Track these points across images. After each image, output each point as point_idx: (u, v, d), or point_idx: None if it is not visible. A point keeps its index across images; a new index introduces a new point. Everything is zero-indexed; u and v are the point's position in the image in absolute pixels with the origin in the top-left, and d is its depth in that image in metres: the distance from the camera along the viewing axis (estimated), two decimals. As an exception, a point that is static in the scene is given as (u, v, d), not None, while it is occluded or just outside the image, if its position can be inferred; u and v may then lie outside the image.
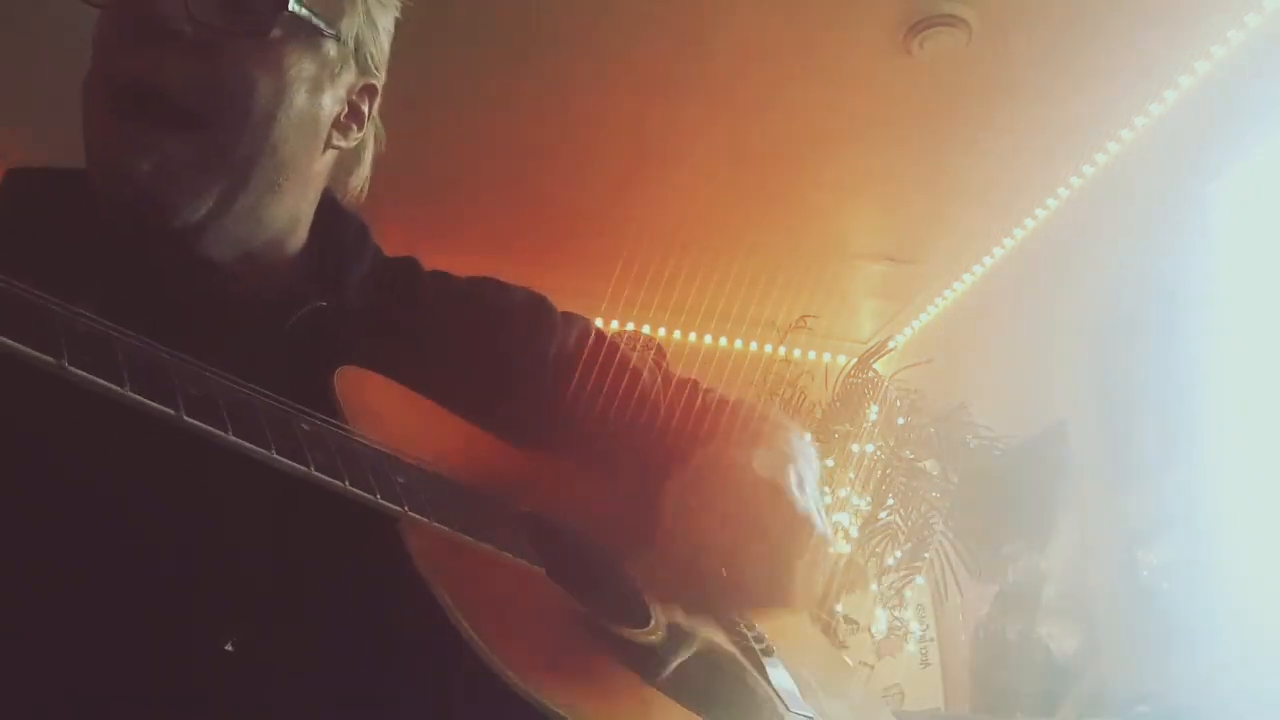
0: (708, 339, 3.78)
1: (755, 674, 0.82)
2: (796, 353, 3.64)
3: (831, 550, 0.83)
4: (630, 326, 3.58)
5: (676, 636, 0.77)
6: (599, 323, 3.51)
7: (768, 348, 3.64)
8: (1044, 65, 2.62)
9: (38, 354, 0.49)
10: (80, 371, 0.50)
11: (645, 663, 0.71)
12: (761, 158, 3.01)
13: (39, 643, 0.60)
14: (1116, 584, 2.78)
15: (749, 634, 0.86)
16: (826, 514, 0.89)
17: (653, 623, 0.76)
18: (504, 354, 0.87)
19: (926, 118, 2.83)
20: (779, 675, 0.83)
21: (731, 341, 3.80)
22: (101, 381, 0.51)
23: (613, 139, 2.94)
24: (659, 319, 3.59)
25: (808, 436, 0.98)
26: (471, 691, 0.57)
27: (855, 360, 3.37)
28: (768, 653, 0.85)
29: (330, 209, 0.86)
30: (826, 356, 3.79)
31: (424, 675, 0.61)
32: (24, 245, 0.74)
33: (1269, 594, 2.26)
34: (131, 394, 0.52)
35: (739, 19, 2.49)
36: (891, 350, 3.50)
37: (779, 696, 0.80)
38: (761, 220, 3.27)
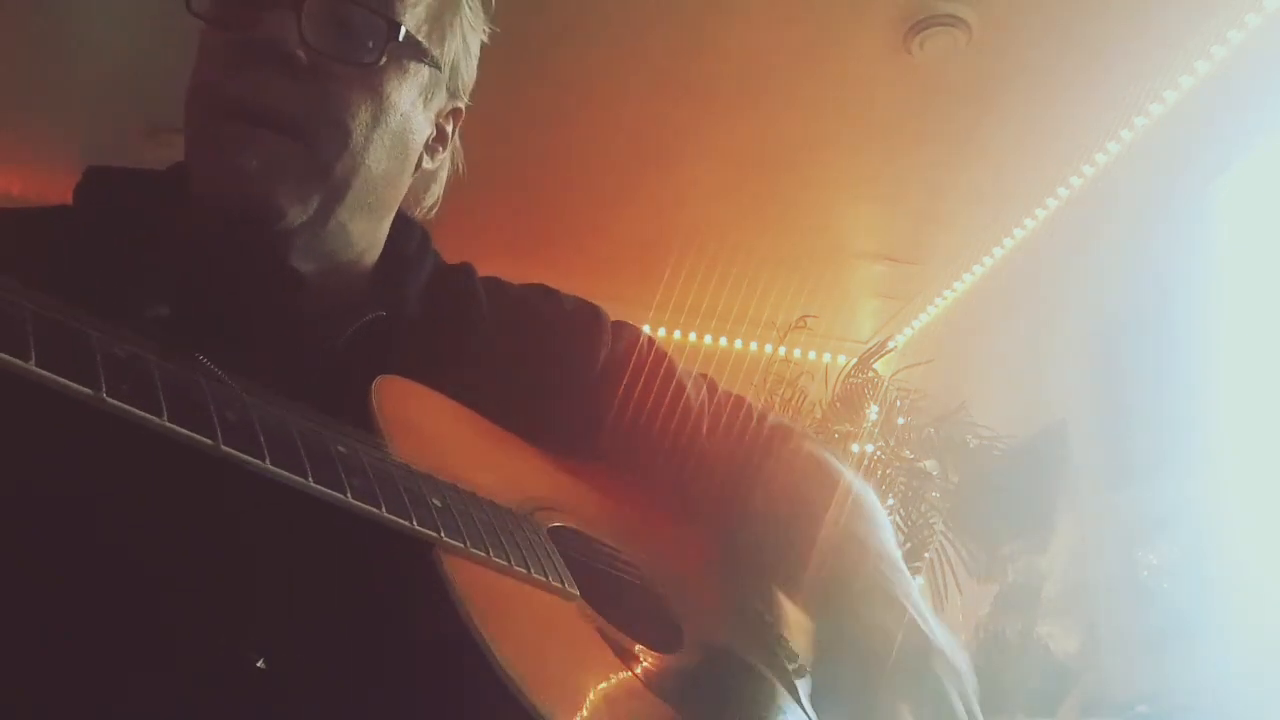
0: (708, 339, 3.78)
1: (789, 696, 0.81)
2: (796, 353, 3.64)
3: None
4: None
5: (709, 661, 0.76)
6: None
7: (768, 348, 3.64)
8: (1044, 65, 2.62)
9: (75, 385, 0.48)
10: (118, 403, 0.49)
11: (676, 689, 0.70)
12: (762, 157, 3.02)
13: (65, 665, 0.60)
14: (1116, 584, 2.78)
15: (783, 654, 0.86)
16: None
17: (685, 645, 0.75)
18: (553, 361, 0.87)
19: (926, 118, 2.83)
20: (809, 693, 0.83)
21: (731, 341, 3.81)
22: (140, 413, 0.50)
23: (612, 139, 2.94)
24: (659, 319, 3.59)
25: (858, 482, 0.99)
26: (497, 716, 0.57)
27: (855, 360, 3.37)
28: (800, 673, 0.84)
29: (399, 220, 0.87)
30: (826, 356, 3.79)
31: (453, 699, 0.60)
32: (100, 246, 0.75)
33: (1269, 594, 2.26)
34: (169, 425, 0.51)
35: (740, 20, 2.49)
36: (891, 350, 3.50)
37: (806, 713, 0.80)
38: (761, 220, 3.27)
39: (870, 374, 3.33)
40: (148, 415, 0.50)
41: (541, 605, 0.67)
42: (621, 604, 0.74)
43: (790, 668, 0.84)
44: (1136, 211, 2.91)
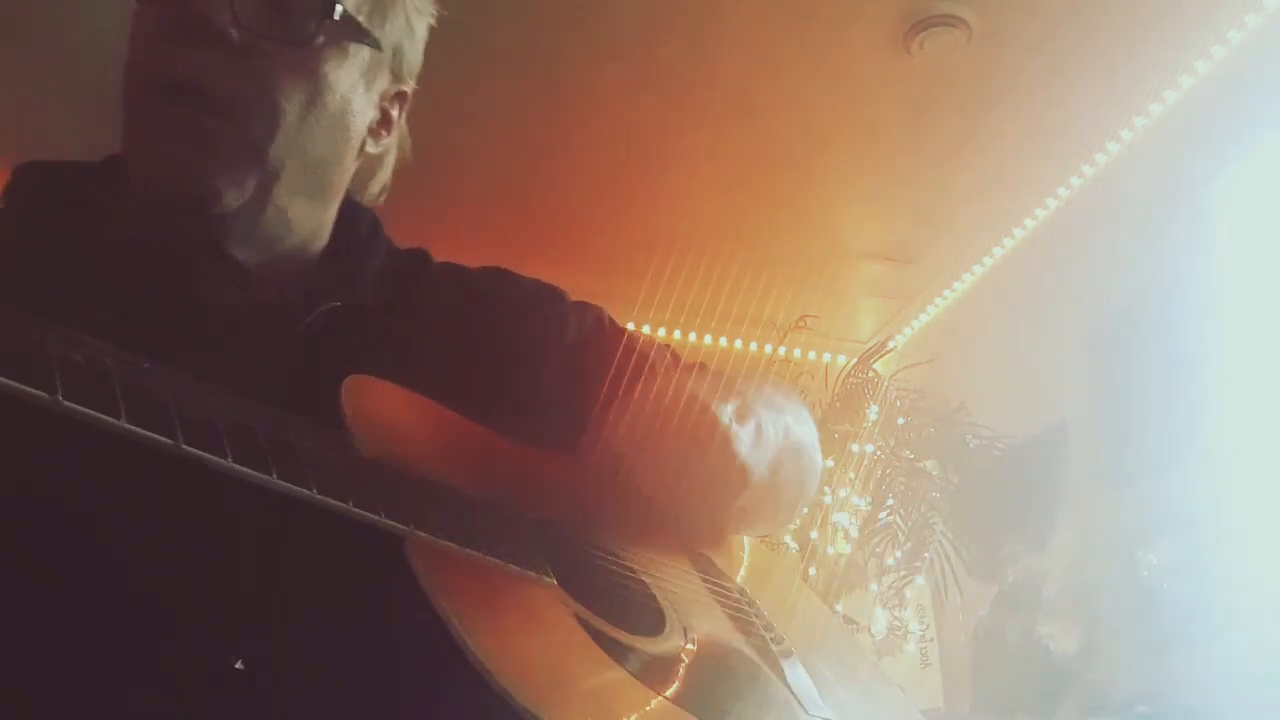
0: (708, 339, 3.78)
1: (772, 676, 0.81)
2: (796, 353, 3.64)
3: (746, 474, 0.80)
4: (630, 326, 3.57)
5: (692, 644, 0.76)
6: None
7: (768, 348, 3.64)
8: (1044, 65, 2.62)
9: (31, 390, 0.49)
10: (75, 405, 0.50)
11: (659, 673, 0.70)
12: (762, 157, 3.02)
13: (45, 668, 0.60)
14: (1116, 584, 2.78)
15: (767, 635, 0.86)
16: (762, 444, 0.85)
17: (667, 629, 0.75)
18: (513, 344, 0.86)
19: (926, 118, 2.83)
20: (797, 676, 0.82)
21: (731, 341, 3.80)
22: (97, 415, 0.50)
23: (613, 139, 2.94)
24: (659, 319, 3.59)
25: (798, 400, 0.96)
26: (478, 710, 0.57)
27: (855, 360, 3.37)
28: (786, 654, 0.84)
29: (346, 207, 0.86)
30: (826, 356, 3.79)
31: (431, 692, 0.60)
32: (37, 243, 0.74)
33: (1269, 594, 2.26)
34: (128, 426, 0.51)
35: (739, 20, 2.49)
36: (891, 350, 3.51)
37: (797, 699, 0.80)
38: (761, 220, 3.27)
39: (870, 374, 3.33)
40: (105, 417, 0.50)
41: (517, 594, 0.66)
42: (601, 591, 0.73)
43: (775, 649, 0.84)
44: (1137, 211, 2.91)
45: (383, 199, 0.91)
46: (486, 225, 3.22)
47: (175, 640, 0.61)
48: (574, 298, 0.95)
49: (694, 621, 0.79)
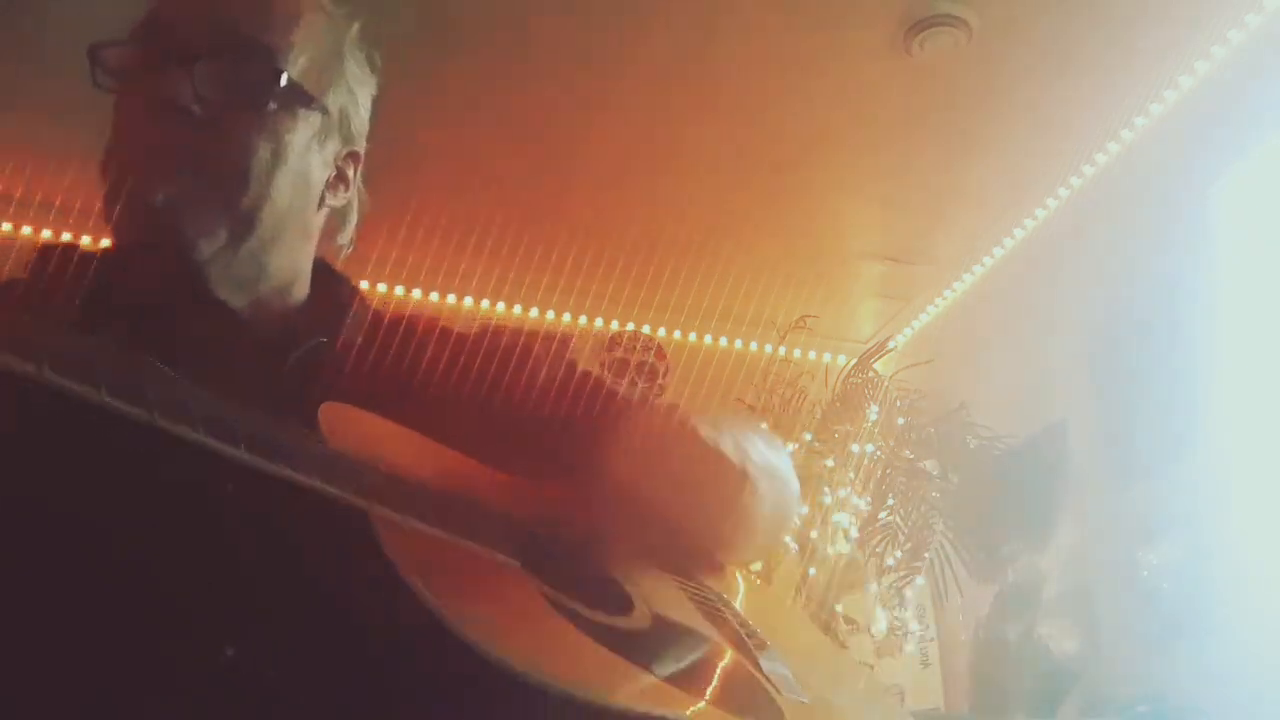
0: (708, 339, 3.78)
1: (747, 664, 0.82)
2: (796, 353, 3.64)
3: (760, 500, 0.87)
4: (630, 326, 3.58)
5: (661, 625, 0.77)
6: (599, 322, 3.50)
7: (768, 348, 3.64)
8: (1044, 65, 2.62)
9: (18, 360, 0.53)
10: (58, 377, 0.54)
11: (629, 648, 0.71)
12: (761, 157, 3.02)
13: (38, 656, 0.62)
14: (1116, 584, 2.78)
15: (741, 630, 0.87)
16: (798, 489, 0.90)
17: (635, 612, 0.76)
18: (496, 396, 0.92)
19: (926, 118, 2.83)
20: (773, 665, 0.83)
21: (731, 341, 3.80)
22: (78, 386, 0.55)
23: (612, 139, 2.94)
24: (659, 319, 3.59)
25: (767, 430, 1.02)
26: (463, 690, 0.59)
27: (855, 360, 3.37)
28: (760, 646, 0.85)
29: (325, 272, 0.95)
30: (826, 356, 3.79)
31: (414, 676, 0.62)
32: (48, 311, 0.81)
33: (1270, 594, 2.26)
34: (107, 398, 0.56)
35: (739, 19, 2.49)
36: (891, 350, 3.50)
37: (773, 685, 0.80)
38: (761, 220, 3.27)
39: (870, 374, 3.33)
40: (85, 388, 0.55)
41: (484, 574, 0.69)
42: (566, 575, 0.75)
43: (750, 641, 0.85)
44: (1137, 211, 2.91)
45: (350, 249, 1.00)
46: (485, 226, 3.22)
47: (164, 629, 0.63)
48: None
49: (664, 611, 0.80)
